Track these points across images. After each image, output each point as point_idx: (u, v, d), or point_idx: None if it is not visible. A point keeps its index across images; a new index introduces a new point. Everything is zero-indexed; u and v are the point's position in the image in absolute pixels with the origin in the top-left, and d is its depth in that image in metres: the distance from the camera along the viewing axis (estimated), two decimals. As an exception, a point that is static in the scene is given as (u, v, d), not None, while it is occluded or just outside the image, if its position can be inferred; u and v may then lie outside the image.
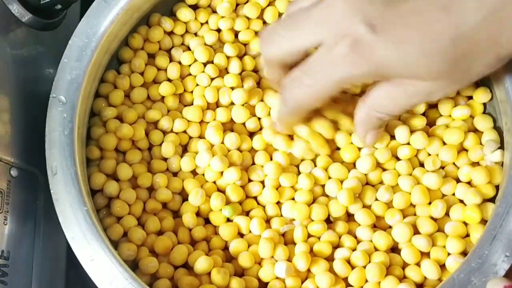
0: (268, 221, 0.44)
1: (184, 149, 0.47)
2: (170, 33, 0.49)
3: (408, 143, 0.44)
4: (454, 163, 0.44)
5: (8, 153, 0.41)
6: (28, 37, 0.46)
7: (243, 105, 0.47)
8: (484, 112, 0.45)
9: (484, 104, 0.45)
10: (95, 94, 0.46)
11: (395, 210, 0.42)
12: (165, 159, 0.46)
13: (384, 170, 0.44)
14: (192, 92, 0.48)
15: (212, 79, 0.48)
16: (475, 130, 0.44)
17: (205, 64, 0.48)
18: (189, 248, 0.42)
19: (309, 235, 0.43)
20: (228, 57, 0.48)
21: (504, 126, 0.42)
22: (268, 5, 0.50)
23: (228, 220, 0.44)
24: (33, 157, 0.42)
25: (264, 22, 0.50)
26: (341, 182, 0.44)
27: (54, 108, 0.42)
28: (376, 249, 0.42)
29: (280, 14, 0.50)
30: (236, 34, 0.50)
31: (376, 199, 0.43)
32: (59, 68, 0.43)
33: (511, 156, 0.39)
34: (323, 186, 0.44)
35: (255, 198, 0.45)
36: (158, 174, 0.44)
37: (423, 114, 0.46)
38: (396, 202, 0.42)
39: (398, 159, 0.44)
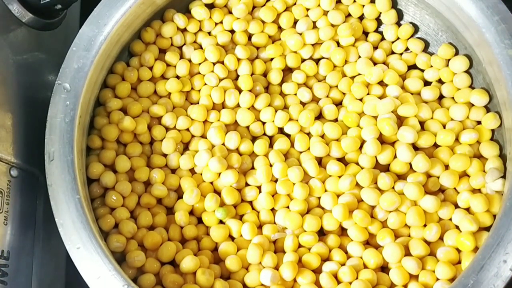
0: (260, 227, 0.44)
1: (186, 147, 0.47)
2: (183, 30, 0.49)
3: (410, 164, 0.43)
4: (454, 188, 0.43)
5: (8, 153, 0.42)
6: (28, 37, 0.46)
7: (249, 108, 0.47)
8: (492, 139, 0.44)
9: (493, 131, 0.44)
10: (102, 84, 0.47)
11: (387, 232, 0.42)
12: (165, 155, 0.46)
13: (381, 190, 0.43)
14: (199, 91, 0.48)
15: (221, 79, 0.48)
16: (480, 156, 0.43)
17: (214, 64, 0.48)
18: (178, 246, 0.42)
19: (300, 245, 0.43)
20: (238, 59, 0.48)
21: (508, 155, 0.41)
22: (284, 10, 0.50)
23: (221, 222, 0.44)
24: (33, 157, 0.42)
25: (279, 27, 0.50)
26: (337, 196, 0.43)
27: (57, 95, 0.42)
28: (365, 267, 0.41)
29: (296, 21, 0.50)
30: (249, 37, 0.50)
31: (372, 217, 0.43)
32: (67, 56, 0.43)
33: (511, 187, 0.38)
34: (319, 198, 0.44)
35: (251, 202, 0.45)
36: (155, 170, 0.44)
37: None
38: (390, 222, 0.42)
39: (398, 177, 0.44)
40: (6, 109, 0.42)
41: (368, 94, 0.47)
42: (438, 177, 0.43)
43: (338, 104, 0.48)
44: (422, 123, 0.45)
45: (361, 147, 0.44)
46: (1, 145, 0.41)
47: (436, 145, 0.44)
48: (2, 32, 0.44)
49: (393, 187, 0.43)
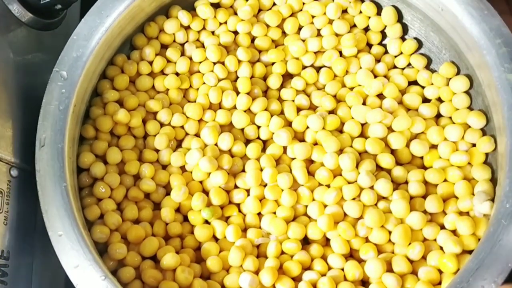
0: (245, 230, 0.44)
1: (179, 144, 0.47)
2: (187, 28, 0.49)
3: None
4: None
5: (8, 153, 0.42)
6: (28, 37, 0.46)
7: (245, 111, 0.47)
8: (485, 162, 0.43)
9: (487, 154, 0.43)
10: (101, 75, 0.47)
11: (370, 246, 0.41)
12: (157, 151, 0.46)
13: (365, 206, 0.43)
14: (197, 89, 0.48)
15: (220, 80, 0.48)
16: (471, 179, 0.43)
17: (215, 64, 0.48)
18: (161, 242, 0.42)
19: (283, 252, 0.42)
20: (239, 61, 0.48)
21: (498, 179, 0.41)
22: (290, 16, 0.50)
23: (206, 221, 0.44)
24: (33, 157, 0.42)
25: (283, 32, 0.50)
26: (325, 206, 0.43)
27: (54, 82, 0.43)
28: (345, 279, 0.41)
29: (300, 27, 0.49)
30: (253, 39, 0.50)
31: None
32: (67, 44, 0.44)
33: (496, 212, 0.38)
34: (307, 206, 0.44)
35: (238, 205, 0.45)
36: (146, 164, 0.45)
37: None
38: (373, 237, 0.42)
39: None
40: (6, 109, 0.43)
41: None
42: (424, 197, 0.43)
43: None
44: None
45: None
46: (1, 145, 0.41)
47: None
48: (2, 32, 0.44)
49: (376, 204, 0.43)
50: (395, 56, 0.49)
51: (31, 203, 0.43)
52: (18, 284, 0.41)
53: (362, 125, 0.46)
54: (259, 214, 0.44)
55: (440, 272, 0.40)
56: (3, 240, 0.40)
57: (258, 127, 0.47)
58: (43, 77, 0.44)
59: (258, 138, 0.47)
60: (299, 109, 0.47)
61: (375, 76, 0.48)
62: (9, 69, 0.44)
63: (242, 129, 0.47)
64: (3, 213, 0.40)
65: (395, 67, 0.49)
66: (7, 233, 0.41)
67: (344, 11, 0.50)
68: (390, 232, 0.42)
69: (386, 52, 0.50)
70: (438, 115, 0.47)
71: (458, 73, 0.47)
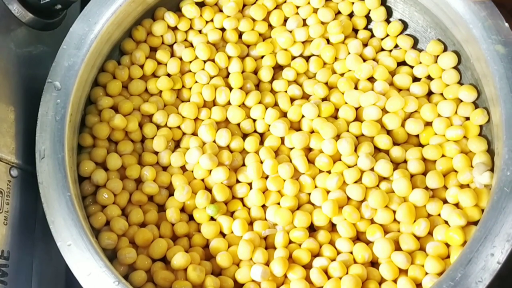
0: (251, 223, 0.44)
1: (177, 144, 0.47)
2: (174, 29, 0.50)
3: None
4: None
5: (8, 153, 0.42)
6: (29, 38, 0.47)
7: (239, 106, 0.47)
8: (480, 134, 0.44)
9: (481, 126, 0.44)
10: (94, 83, 0.47)
11: (376, 227, 0.42)
12: (156, 153, 0.46)
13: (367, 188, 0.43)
14: (190, 88, 0.48)
15: (212, 77, 0.48)
16: (469, 152, 0.44)
17: (205, 62, 0.48)
18: (169, 243, 0.43)
19: (291, 241, 0.43)
20: (229, 57, 0.48)
21: (495, 149, 0.41)
22: (275, 8, 0.50)
23: (212, 218, 0.44)
24: (33, 157, 0.42)
25: (270, 25, 0.50)
26: (327, 192, 0.44)
27: (48, 93, 0.43)
28: (355, 262, 0.41)
29: (286, 18, 0.50)
30: (240, 35, 0.50)
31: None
32: (58, 55, 0.44)
33: (498, 181, 0.38)
34: (310, 194, 0.44)
35: (241, 199, 0.45)
36: (146, 167, 0.45)
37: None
38: (378, 218, 0.42)
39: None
40: (7, 110, 0.42)
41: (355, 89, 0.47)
42: (424, 174, 0.43)
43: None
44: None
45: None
46: (1, 145, 0.41)
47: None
48: (2, 32, 0.44)
49: (378, 185, 0.43)
50: (382, 39, 0.50)
51: (31, 203, 0.43)
52: (18, 284, 0.41)
53: (356, 109, 0.46)
54: (264, 206, 0.44)
55: (448, 245, 0.41)
56: (3, 240, 0.40)
57: (254, 120, 0.47)
58: (43, 79, 0.44)
59: (255, 131, 0.47)
60: (292, 100, 0.48)
61: (364, 60, 0.49)
62: (9, 69, 0.44)
63: (239, 124, 0.47)
64: (3, 213, 0.40)
65: (382, 49, 0.50)
66: (7, 233, 0.41)
67: (328, -1, 0.50)
68: (394, 212, 0.42)
69: (372, 36, 0.50)
70: (430, 93, 0.47)
71: (445, 50, 0.47)
